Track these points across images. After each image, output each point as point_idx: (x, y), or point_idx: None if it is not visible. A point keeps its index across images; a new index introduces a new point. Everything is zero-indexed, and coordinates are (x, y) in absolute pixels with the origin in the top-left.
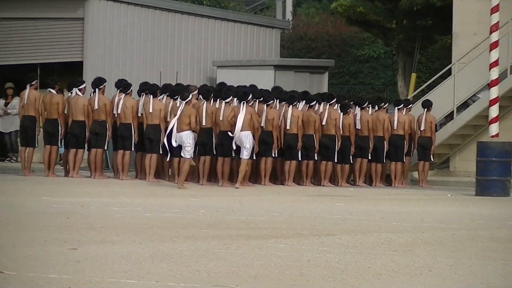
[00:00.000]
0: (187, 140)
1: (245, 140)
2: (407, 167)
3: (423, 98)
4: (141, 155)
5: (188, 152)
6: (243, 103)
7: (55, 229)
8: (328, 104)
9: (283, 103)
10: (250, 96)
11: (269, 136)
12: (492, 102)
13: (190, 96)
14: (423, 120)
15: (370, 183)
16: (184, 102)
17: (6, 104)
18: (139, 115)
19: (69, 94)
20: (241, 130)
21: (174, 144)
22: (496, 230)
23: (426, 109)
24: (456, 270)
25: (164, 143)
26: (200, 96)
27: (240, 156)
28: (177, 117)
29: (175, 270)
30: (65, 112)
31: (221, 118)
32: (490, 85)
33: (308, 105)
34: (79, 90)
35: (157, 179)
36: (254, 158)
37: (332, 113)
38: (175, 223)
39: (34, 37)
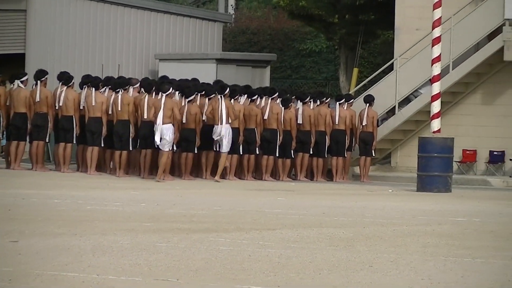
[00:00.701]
0: (167, 133)
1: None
2: (349, 162)
3: (365, 93)
4: (82, 147)
5: (167, 145)
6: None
7: None
8: (270, 98)
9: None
10: (171, 89)
11: (211, 130)
12: (434, 98)
13: (171, 89)
14: (365, 115)
15: (312, 178)
16: (164, 94)
17: None
18: (81, 107)
19: (11, 86)
20: (163, 123)
21: (157, 137)
22: (437, 226)
23: (368, 104)
24: (397, 266)
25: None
26: (142, 89)
27: (161, 148)
28: (161, 110)
29: (116, 263)
30: (7, 104)
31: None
32: (432, 80)
33: (250, 99)
34: (21, 82)
35: (99, 172)
36: (196, 151)
37: (273, 108)
38: (116, 216)
39: None
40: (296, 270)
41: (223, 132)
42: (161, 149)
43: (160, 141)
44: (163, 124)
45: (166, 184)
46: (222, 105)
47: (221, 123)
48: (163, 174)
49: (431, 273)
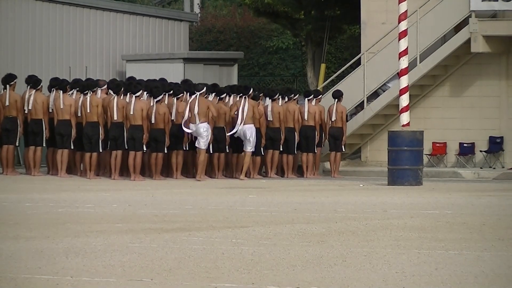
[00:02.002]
0: (204, 131)
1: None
2: (319, 158)
3: (334, 89)
4: (52, 150)
5: (203, 142)
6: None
7: None
8: (238, 96)
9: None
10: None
11: (180, 129)
12: (402, 91)
13: (204, 88)
14: (334, 110)
15: (282, 175)
16: (198, 93)
17: None
18: (50, 110)
19: None
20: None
21: (190, 131)
22: (409, 219)
23: (336, 100)
24: (370, 260)
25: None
26: (110, 91)
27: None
28: (190, 109)
29: (89, 265)
30: None
31: (131, 113)
32: (399, 74)
33: (218, 97)
34: None
35: (69, 174)
36: (165, 151)
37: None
38: (88, 218)
39: None
40: (270, 267)
41: (248, 132)
42: (198, 148)
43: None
44: (200, 123)
45: (137, 185)
46: (246, 105)
47: (244, 123)
48: (202, 173)
49: (404, 266)
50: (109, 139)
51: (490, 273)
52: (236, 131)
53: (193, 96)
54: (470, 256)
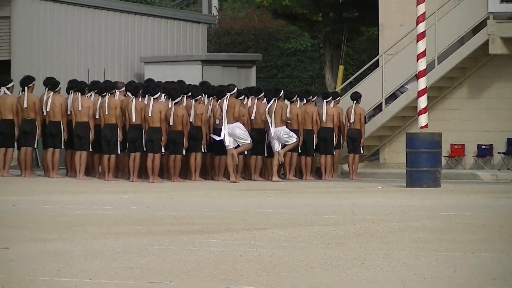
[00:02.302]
0: (239, 131)
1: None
2: (337, 160)
3: (352, 90)
4: (70, 152)
5: (242, 141)
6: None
7: None
8: (256, 98)
9: (211, 98)
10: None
11: (198, 131)
12: (420, 93)
13: (235, 89)
14: (352, 112)
15: (301, 177)
16: (229, 94)
17: None
18: (68, 112)
19: None
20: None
21: (225, 137)
22: (427, 221)
23: (355, 102)
24: (388, 262)
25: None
26: (128, 93)
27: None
28: (222, 110)
29: (108, 267)
30: None
31: (150, 115)
32: (417, 76)
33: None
34: (7, 89)
35: (88, 177)
36: (184, 153)
37: (260, 107)
38: (106, 220)
39: None
40: (288, 269)
41: (276, 134)
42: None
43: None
44: (229, 123)
45: (155, 187)
46: (274, 108)
47: (273, 126)
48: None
49: (423, 268)
50: (128, 141)
51: (508, 275)
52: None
53: (225, 97)
54: (489, 258)
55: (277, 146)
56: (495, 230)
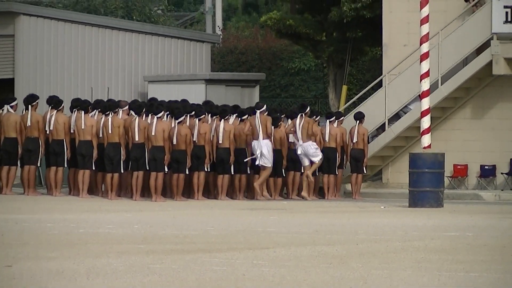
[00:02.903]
0: (265, 148)
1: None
2: (340, 180)
3: (355, 110)
4: (74, 171)
5: (267, 160)
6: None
7: None
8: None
9: (215, 117)
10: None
11: (202, 150)
12: (423, 113)
13: (264, 106)
14: (356, 132)
15: (304, 196)
16: (258, 111)
17: None
18: (71, 131)
19: (1, 111)
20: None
21: (257, 153)
22: (430, 241)
23: (358, 121)
24: (391, 282)
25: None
26: (132, 112)
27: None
28: (260, 127)
29: (110, 285)
30: None
31: (153, 133)
32: (421, 96)
33: (239, 118)
34: (11, 107)
35: (91, 195)
36: (187, 172)
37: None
38: (109, 239)
39: None
40: None
41: (303, 149)
42: (262, 165)
43: (260, 158)
44: (303, 142)
45: (158, 206)
46: (301, 124)
47: (300, 141)
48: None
49: None
50: (131, 160)
51: None
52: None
53: (255, 114)
54: (491, 278)
55: (307, 161)
56: (498, 251)
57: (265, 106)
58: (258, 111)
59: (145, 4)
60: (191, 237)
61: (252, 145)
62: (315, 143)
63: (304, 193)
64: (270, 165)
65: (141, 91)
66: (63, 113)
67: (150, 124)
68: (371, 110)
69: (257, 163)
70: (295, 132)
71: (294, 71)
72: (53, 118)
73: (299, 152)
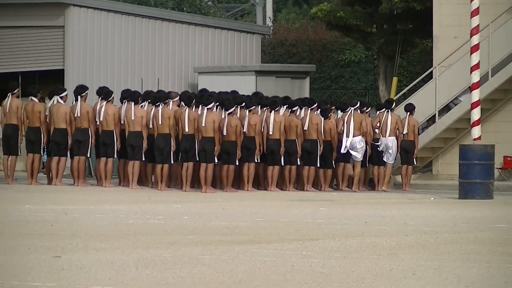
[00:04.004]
0: (359, 145)
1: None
2: (390, 171)
3: (405, 102)
4: (123, 162)
5: (359, 156)
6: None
7: (39, 237)
8: (309, 109)
9: (265, 108)
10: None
11: (252, 142)
12: (473, 105)
13: (358, 103)
14: (406, 123)
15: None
16: (353, 108)
17: None
18: (121, 122)
19: (51, 102)
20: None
21: (343, 150)
22: (479, 232)
23: (408, 113)
24: (440, 273)
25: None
26: (182, 103)
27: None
28: (351, 123)
29: (159, 276)
30: (47, 120)
31: (203, 125)
32: (471, 88)
33: (289, 110)
34: (61, 98)
35: (140, 186)
36: (237, 163)
37: (313, 118)
38: (158, 230)
39: (15, 45)
40: (340, 280)
41: (351, 143)
42: (355, 161)
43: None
44: (353, 136)
45: (208, 197)
46: (388, 119)
47: (385, 136)
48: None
49: (474, 280)
50: (181, 151)
51: None
52: (345, 146)
53: (349, 111)
54: None
55: (359, 156)
56: None
57: (359, 103)
58: (352, 108)
59: None
60: (241, 228)
61: (344, 141)
62: (363, 140)
63: (354, 187)
64: (360, 160)
65: (191, 82)
66: (113, 104)
67: (200, 115)
68: (421, 101)
69: (357, 157)
70: (379, 127)
71: (345, 63)
72: (103, 109)
73: (381, 148)
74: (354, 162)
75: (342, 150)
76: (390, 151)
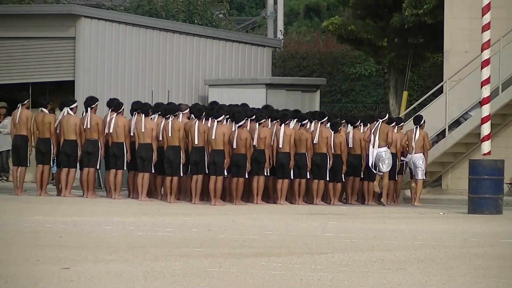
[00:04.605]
0: (386, 156)
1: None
2: (400, 185)
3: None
4: (133, 174)
5: (385, 166)
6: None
7: (48, 248)
8: (319, 122)
9: (275, 121)
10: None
11: (261, 155)
12: (484, 120)
13: (387, 116)
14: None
15: (363, 202)
16: (380, 120)
17: None
18: (131, 134)
19: (62, 113)
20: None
21: (371, 162)
22: (488, 247)
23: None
24: None
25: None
26: (192, 115)
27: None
28: (377, 135)
29: None
30: (57, 131)
31: (213, 137)
32: (481, 103)
33: (299, 123)
34: (71, 109)
35: (150, 198)
36: (246, 176)
37: (323, 132)
38: (167, 242)
39: (25, 56)
40: None
41: (377, 155)
42: (382, 172)
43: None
44: (379, 147)
45: (217, 209)
46: (416, 135)
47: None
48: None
49: None
50: (190, 164)
51: None
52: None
53: (377, 123)
54: None
55: (385, 167)
56: None
57: (387, 116)
58: (380, 120)
59: (207, 8)
60: (250, 241)
61: (370, 152)
62: (389, 151)
63: (383, 199)
64: (387, 170)
65: (201, 94)
66: (123, 116)
67: (210, 127)
68: (431, 116)
69: (383, 170)
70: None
71: (355, 77)
72: (113, 121)
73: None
74: (380, 175)
75: (370, 163)
76: (420, 167)
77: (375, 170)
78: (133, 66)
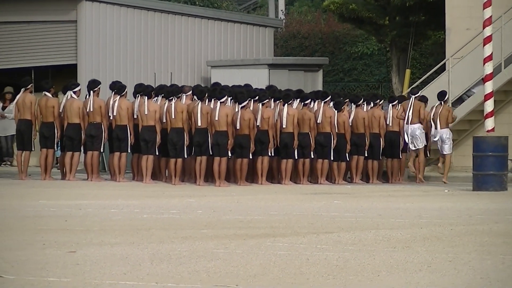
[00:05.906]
0: (419, 132)
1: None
2: (404, 164)
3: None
4: (137, 156)
5: (420, 143)
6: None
7: (53, 232)
8: (323, 102)
9: (278, 102)
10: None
11: (265, 135)
12: (487, 97)
13: (419, 92)
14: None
15: (367, 180)
16: (413, 96)
17: (3, 108)
18: (135, 116)
19: (65, 97)
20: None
21: (407, 139)
22: (494, 224)
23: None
24: (455, 265)
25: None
26: (194, 97)
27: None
28: (410, 111)
29: (174, 271)
30: (61, 115)
31: (216, 118)
32: (484, 79)
33: (302, 103)
34: (74, 93)
35: (154, 181)
36: (250, 157)
37: (326, 111)
38: (173, 224)
39: (27, 40)
40: (355, 273)
41: (443, 136)
42: (415, 149)
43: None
44: (411, 124)
45: (222, 191)
46: (441, 109)
47: (436, 128)
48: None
49: (489, 272)
50: (194, 145)
51: None
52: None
53: (410, 100)
54: None
55: (420, 144)
56: None
57: (420, 92)
58: (413, 96)
59: None
60: (255, 222)
61: (405, 128)
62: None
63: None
64: (422, 147)
65: (204, 76)
66: (126, 99)
67: (213, 109)
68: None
69: (410, 147)
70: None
71: (357, 55)
72: (116, 104)
73: (436, 138)
74: (414, 152)
75: (406, 139)
76: (446, 142)
77: (412, 146)
78: (135, 48)
